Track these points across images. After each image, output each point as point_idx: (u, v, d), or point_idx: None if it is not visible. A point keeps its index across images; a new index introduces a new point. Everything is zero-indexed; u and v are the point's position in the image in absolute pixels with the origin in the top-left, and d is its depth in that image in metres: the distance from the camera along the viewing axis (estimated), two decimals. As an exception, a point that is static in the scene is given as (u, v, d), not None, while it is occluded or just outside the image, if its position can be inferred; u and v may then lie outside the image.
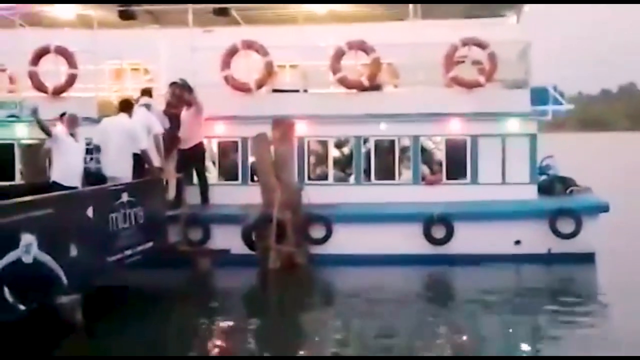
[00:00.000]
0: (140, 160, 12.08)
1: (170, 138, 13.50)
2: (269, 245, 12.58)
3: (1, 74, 17.25)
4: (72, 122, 11.35)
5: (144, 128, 12.14)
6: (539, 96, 14.71)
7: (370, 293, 11.45)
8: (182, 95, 13.78)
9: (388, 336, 9.33)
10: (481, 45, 14.24)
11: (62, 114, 12.31)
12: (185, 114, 13.79)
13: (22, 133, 14.78)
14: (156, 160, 12.31)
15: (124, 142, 11.78)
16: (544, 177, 15.58)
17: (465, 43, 14.30)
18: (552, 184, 15.05)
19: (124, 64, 17.02)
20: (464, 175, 14.26)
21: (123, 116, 12.11)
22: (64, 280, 9.06)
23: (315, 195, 13.28)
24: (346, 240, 13.03)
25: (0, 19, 15.74)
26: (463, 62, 14.60)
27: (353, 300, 11.18)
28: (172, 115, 13.75)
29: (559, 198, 14.37)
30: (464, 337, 9.37)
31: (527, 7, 15.68)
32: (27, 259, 8.43)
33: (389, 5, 15.05)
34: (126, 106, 12.29)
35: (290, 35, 15.23)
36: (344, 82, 14.47)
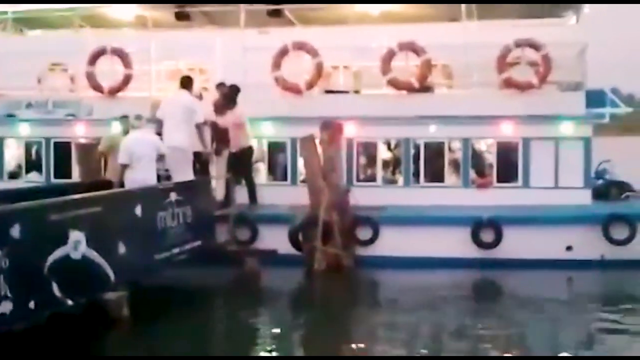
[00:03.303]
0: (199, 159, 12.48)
1: (221, 139, 13.69)
2: (315, 246, 12.63)
3: (63, 73, 17.79)
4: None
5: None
6: (596, 99, 14.40)
7: (416, 295, 11.41)
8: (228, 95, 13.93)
9: (433, 338, 9.32)
10: (535, 46, 14.02)
11: (123, 117, 12.69)
12: (229, 117, 13.86)
13: (79, 132, 15.20)
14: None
15: (183, 115, 12.11)
16: (600, 182, 15.25)
17: (519, 44, 14.11)
18: (607, 189, 14.74)
19: (180, 65, 17.33)
20: (515, 178, 14.08)
21: (183, 92, 12.45)
22: (112, 276, 9.28)
23: (363, 196, 13.27)
24: (393, 242, 12.96)
25: (61, 19, 16.23)
26: (518, 63, 14.39)
27: (399, 301, 11.17)
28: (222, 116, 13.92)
29: (613, 203, 14.01)
30: (509, 340, 9.24)
31: (587, 8, 15.29)
32: (76, 256, 8.66)
33: (441, 5, 14.91)
34: (187, 82, 12.60)
35: (344, 35, 15.23)
36: (394, 83, 14.44)
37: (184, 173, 12.13)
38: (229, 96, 13.83)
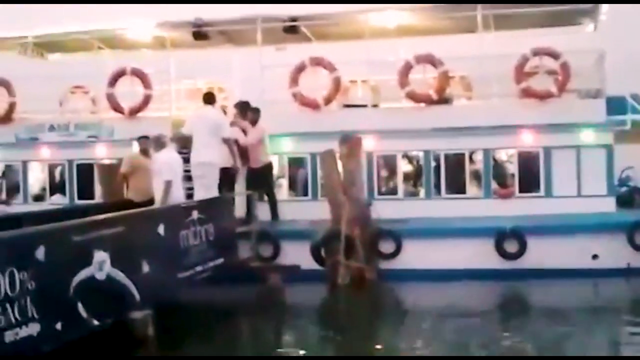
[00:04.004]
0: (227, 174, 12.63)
1: (241, 156, 13.75)
2: (338, 260, 12.61)
3: (84, 95, 18.00)
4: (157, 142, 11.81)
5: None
6: (617, 105, 14.31)
7: (441, 308, 11.34)
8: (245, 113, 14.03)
9: (462, 351, 9.22)
10: (553, 55, 13.97)
11: (142, 137, 12.81)
12: (251, 133, 13.94)
13: (101, 153, 15.34)
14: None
15: (211, 130, 12.21)
16: (624, 189, 15.11)
17: (537, 53, 14.07)
18: (631, 196, 14.58)
19: (198, 84, 17.48)
20: (538, 188, 14.00)
21: (208, 107, 12.60)
22: (137, 295, 9.33)
23: (384, 210, 13.24)
24: (416, 255, 12.89)
25: (80, 42, 16.44)
26: (537, 72, 14.35)
27: (424, 315, 11.07)
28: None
29: (638, 210, 13.86)
30: (538, 352, 9.14)
31: (604, 15, 15.22)
32: (101, 276, 8.71)
33: (458, 17, 14.91)
34: (210, 98, 12.76)
35: (360, 50, 15.26)
36: (412, 96, 14.44)
37: (211, 189, 12.19)
38: (253, 112, 13.95)
